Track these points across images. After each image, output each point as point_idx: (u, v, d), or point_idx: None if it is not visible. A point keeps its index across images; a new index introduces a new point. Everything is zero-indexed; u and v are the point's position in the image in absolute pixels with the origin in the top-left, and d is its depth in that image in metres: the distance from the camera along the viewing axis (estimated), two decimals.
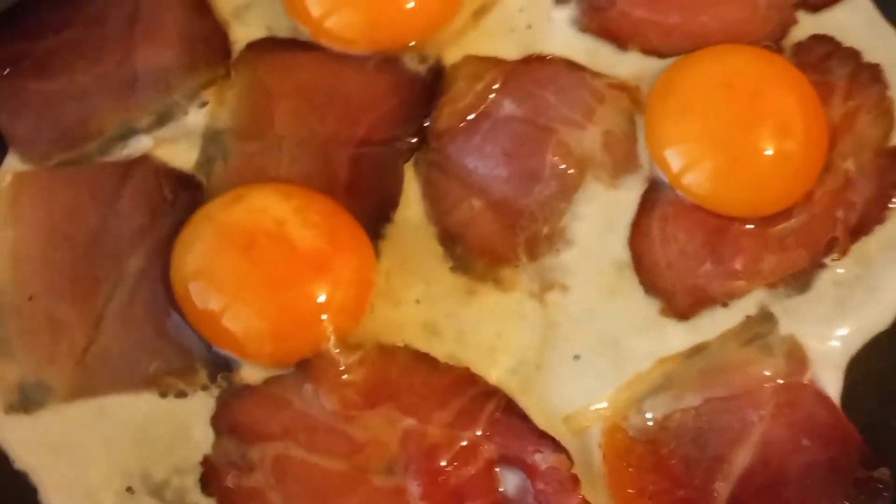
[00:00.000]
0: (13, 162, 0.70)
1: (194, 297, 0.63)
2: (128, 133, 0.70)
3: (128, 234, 0.67)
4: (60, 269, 0.66)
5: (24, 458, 0.63)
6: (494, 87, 0.71)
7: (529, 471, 0.62)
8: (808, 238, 0.68)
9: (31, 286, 0.66)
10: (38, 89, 0.71)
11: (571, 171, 0.69)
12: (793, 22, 0.74)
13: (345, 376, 0.63)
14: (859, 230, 0.69)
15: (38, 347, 0.65)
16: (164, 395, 0.64)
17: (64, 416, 0.64)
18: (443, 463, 0.62)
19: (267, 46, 0.73)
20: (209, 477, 0.62)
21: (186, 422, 0.64)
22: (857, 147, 0.71)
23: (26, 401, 0.64)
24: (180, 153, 0.70)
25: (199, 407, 0.64)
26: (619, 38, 0.74)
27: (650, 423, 0.64)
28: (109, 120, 0.70)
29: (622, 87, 0.71)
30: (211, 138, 0.70)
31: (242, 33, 0.73)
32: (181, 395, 0.64)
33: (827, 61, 0.73)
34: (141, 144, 0.70)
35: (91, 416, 0.64)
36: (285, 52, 0.73)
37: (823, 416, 0.64)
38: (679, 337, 0.67)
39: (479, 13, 0.75)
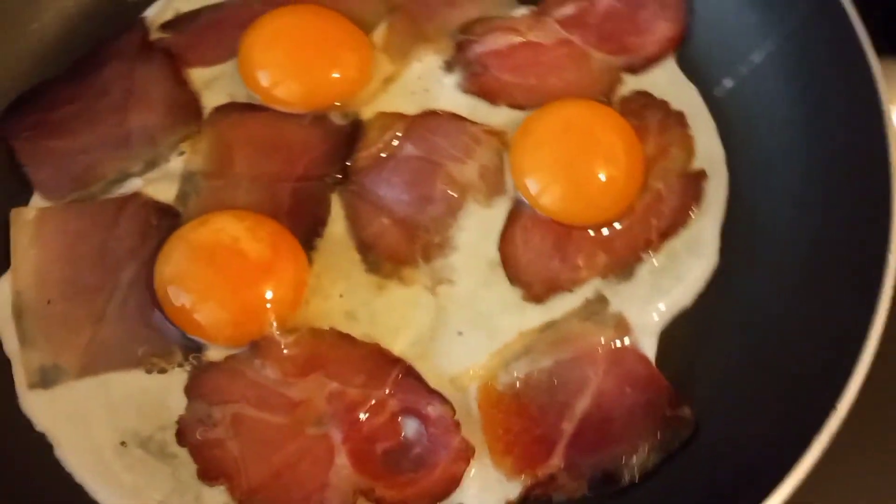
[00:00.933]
0: (37, 200, 0.69)
1: (171, 297, 0.63)
2: (123, 177, 0.69)
3: (123, 252, 0.66)
4: (72, 280, 0.65)
5: (43, 422, 0.62)
6: (398, 134, 0.71)
7: (424, 419, 0.62)
8: (630, 240, 0.68)
9: (49, 293, 0.65)
10: (53, 146, 0.70)
11: (456, 195, 0.69)
12: (619, 81, 0.74)
13: (285, 352, 0.62)
14: (668, 233, 0.69)
15: (54, 339, 0.64)
16: (149, 371, 0.63)
17: (74, 390, 0.63)
18: (359, 415, 0.61)
19: (229, 109, 0.72)
20: (182, 432, 0.61)
21: (166, 391, 0.63)
22: (666, 172, 0.71)
23: (45, 379, 0.63)
24: (163, 190, 0.69)
25: (175, 380, 0.63)
26: (491, 96, 0.73)
27: (515, 380, 0.64)
28: (109, 167, 0.69)
29: (493, 133, 0.71)
30: (187, 178, 0.69)
31: (211, 99, 0.72)
32: (162, 371, 0.63)
33: (644, 110, 0.73)
34: (133, 184, 0.69)
35: (95, 390, 0.63)
36: (243, 113, 0.72)
37: (642, 371, 0.64)
38: (536, 315, 0.66)
39: (388, 80, 0.74)
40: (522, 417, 0.63)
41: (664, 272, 0.68)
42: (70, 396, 0.63)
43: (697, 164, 0.71)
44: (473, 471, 0.61)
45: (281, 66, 0.72)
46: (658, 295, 0.67)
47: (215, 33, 0.75)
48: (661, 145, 0.72)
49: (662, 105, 0.74)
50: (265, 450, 0.60)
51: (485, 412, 0.63)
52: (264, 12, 0.73)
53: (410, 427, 0.62)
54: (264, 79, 0.72)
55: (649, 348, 0.66)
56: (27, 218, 0.67)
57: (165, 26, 0.76)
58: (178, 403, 0.62)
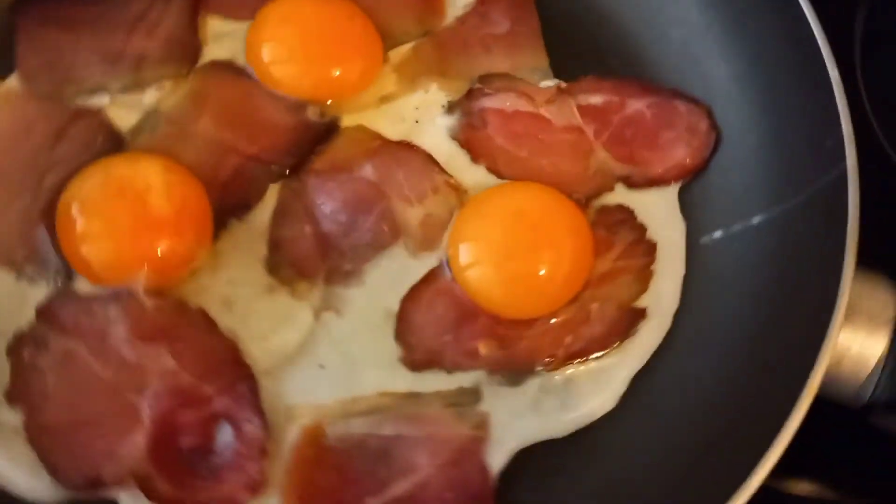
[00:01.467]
0: (13, 81, 0.69)
1: (63, 216, 0.62)
2: (97, 90, 0.69)
3: (56, 157, 0.65)
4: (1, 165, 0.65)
5: None
6: (367, 153, 0.68)
7: (238, 433, 0.59)
8: (535, 347, 0.63)
9: None
10: (54, 37, 0.69)
11: (388, 233, 0.65)
12: (610, 189, 0.69)
13: (143, 313, 0.61)
14: (575, 357, 0.63)
15: None
16: (18, 278, 0.63)
17: None
18: (180, 403, 0.59)
19: (223, 67, 0.70)
20: (14, 345, 0.60)
21: (23, 302, 0.61)
22: (607, 297, 0.65)
23: None
24: (123, 116, 0.68)
25: (37, 294, 0.62)
26: (475, 153, 0.69)
27: (348, 436, 0.60)
28: (90, 76, 0.69)
29: (455, 188, 0.67)
30: (150, 114, 0.68)
31: (212, 52, 0.71)
32: (30, 281, 0.62)
33: (619, 225, 0.67)
34: (100, 101, 0.68)
35: None
36: (233, 76, 0.70)
37: (475, 483, 0.59)
38: (404, 382, 0.62)
39: (384, 99, 0.71)
40: (333, 476, 0.59)
41: (553, 394, 0.62)
42: None
43: (644, 302, 0.65)
44: None
45: (286, 45, 0.70)
46: (535, 414, 0.62)
47: None
48: (618, 269, 0.66)
49: (640, 229, 0.67)
50: (76, 396, 0.59)
51: (299, 455, 0.59)
52: None
53: (223, 436, 0.59)
54: (266, 52, 0.70)
55: (497, 463, 0.60)
56: None
57: None
58: (27, 318, 0.61)
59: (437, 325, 0.63)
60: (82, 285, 0.62)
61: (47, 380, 0.59)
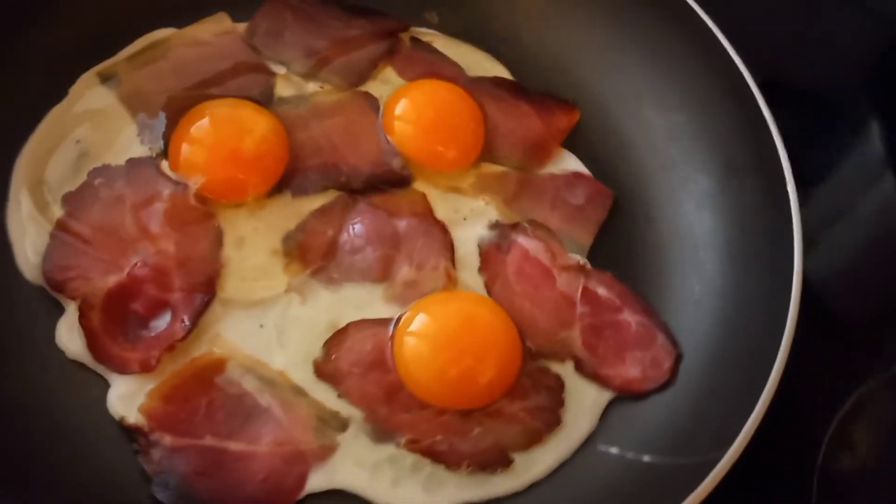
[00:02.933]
0: (233, 23, 0.74)
1: (192, 115, 0.67)
2: (283, 61, 0.74)
3: (226, 81, 0.71)
4: None
5: None
6: (411, 212, 0.68)
7: (170, 325, 0.60)
8: (411, 424, 0.60)
9: None
10: (285, 17, 0.75)
11: (379, 271, 0.65)
12: (560, 360, 0.65)
13: (184, 203, 0.64)
14: (431, 454, 0.59)
15: None
16: (140, 133, 0.68)
17: None
18: (154, 276, 0.61)
19: (366, 98, 0.73)
20: (92, 173, 0.65)
21: (127, 150, 0.67)
22: (491, 430, 0.61)
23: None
24: (283, 86, 0.72)
25: (138, 151, 0.67)
26: (484, 265, 0.67)
27: (235, 382, 0.59)
28: (287, 53, 0.74)
29: (450, 277, 0.65)
30: (300, 97, 0.72)
31: (371, 86, 0.74)
32: (141, 141, 0.68)
33: (544, 388, 0.63)
34: (279, 69, 0.73)
35: None
36: (367, 107, 0.73)
37: (288, 484, 0.57)
38: (303, 377, 0.61)
39: (454, 189, 0.71)
40: (201, 400, 0.59)
41: (393, 469, 0.59)
42: None
43: (517, 457, 0.60)
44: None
45: (415, 113, 0.72)
46: (370, 473, 0.59)
47: None
48: (517, 417, 0.62)
49: (558, 402, 0.63)
50: (101, 224, 0.62)
51: (192, 367, 0.60)
52: None
53: (160, 320, 0.60)
54: (398, 109, 0.72)
55: (314, 485, 0.57)
56: None
57: None
58: (120, 160, 0.65)
59: (356, 358, 0.62)
60: (164, 165, 0.67)
61: (95, 203, 0.63)
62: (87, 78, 0.70)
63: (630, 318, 0.67)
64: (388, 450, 0.59)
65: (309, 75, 0.75)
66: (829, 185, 0.88)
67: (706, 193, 0.71)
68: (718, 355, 0.63)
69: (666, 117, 0.74)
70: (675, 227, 0.71)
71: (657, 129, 0.75)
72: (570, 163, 0.75)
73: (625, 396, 0.64)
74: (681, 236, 0.70)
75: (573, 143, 0.76)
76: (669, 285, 0.69)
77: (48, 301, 0.60)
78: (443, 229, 0.68)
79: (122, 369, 0.58)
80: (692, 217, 0.71)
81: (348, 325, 0.63)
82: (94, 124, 0.68)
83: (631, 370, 0.64)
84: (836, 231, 0.83)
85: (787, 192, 0.63)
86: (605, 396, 0.64)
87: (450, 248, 0.67)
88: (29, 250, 0.62)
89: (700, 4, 0.71)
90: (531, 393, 0.62)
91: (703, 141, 0.72)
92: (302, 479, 0.57)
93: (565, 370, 0.65)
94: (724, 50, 0.69)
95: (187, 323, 0.59)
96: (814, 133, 0.90)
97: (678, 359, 0.64)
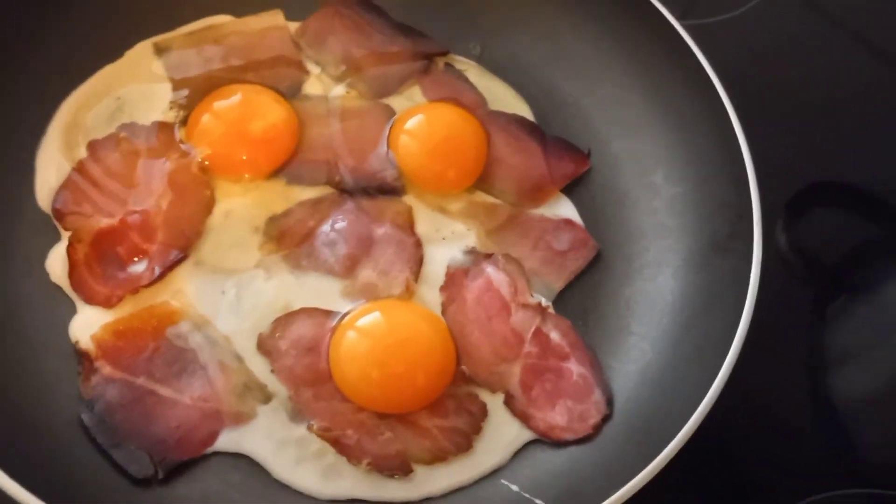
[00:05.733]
0: (283, 17, 0.82)
1: (216, 94, 0.76)
2: (320, 62, 0.81)
3: (258, 68, 0.79)
4: None
5: None
6: (393, 222, 0.73)
7: (143, 272, 0.68)
8: (330, 412, 0.64)
9: None
10: (334, 21, 0.83)
11: (343, 267, 0.70)
12: (491, 390, 0.67)
13: (186, 167, 0.71)
14: (333, 442, 0.63)
15: None
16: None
17: None
18: (140, 226, 0.69)
19: (384, 110, 0.80)
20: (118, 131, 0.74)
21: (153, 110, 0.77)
22: (401, 437, 0.64)
23: None
24: (311, 83, 0.80)
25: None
26: (447, 286, 0.71)
27: (183, 337, 0.66)
28: (329, 53, 0.81)
29: (408, 288, 0.69)
30: (323, 97, 0.80)
31: (394, 101, 0.81)
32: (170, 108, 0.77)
33: (466, 413, 0.66)
34: (314, 69, 0.81)
35: None
36: (380, 116, 0.79)
37: (200, 436, 0.62)
38: (245, 346, 0.66)
39: (441, 209, 0.75)
40: (147, 341, 0.65)
41: (297, 450, 0.63)
42: None
43: (417, 468, 0.63)
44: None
45: (422, 137, 0.77)
46: (276, 448, 0.63)
47: None
48: (429, 432, 0.65)
49: (475, 429, 0.66)
50: (112, 168, 0.72)
51: (147, 313, 0.66)
52: None
53: (135, 266, 0.67)
54: (405, 135, 0.77)
55: (222, 444, 0.62)
56: None
57: None
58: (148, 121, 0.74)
59: (298, 339, 0.66)
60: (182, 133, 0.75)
61: (114, 152, 0.72)
62: (144, 46, 0.80)
63: (574, 367, 0.68)
64: (300, 430, 0.63)
65: (340, 79, 0.81)
66: (879, 300, 0.86)
67: (684, 264, 0.72)
68: (638, 424, 0.63)
69: (671, 185, 0.76)
70: (647, 291, 0.72)
71: (660, 195, 0.76)
72: (565, 209, 0.78)
73: (542, 441, 0.65)
74: (651, 301, 0.72)
75: (573, 189, 0.79)
76: (624, 345, 0.70)
77: (50, 228, 0.69)
78: (417, 243, 0.73)
79: (89, 300, 0.66)
80: (666, 284, 0.72)
81: (300, 310, 0.68)
82: (137, 86, 0.78)
83: (557, 417, 0.66)
84: (879, 353, 0.81)
85: (748, 280, 0.63)
86: (525, 436, 0.66)
87: (418, 262, 0.72)
88: (48, 181, 0.71)
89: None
90: (451, 414, 0.65)
91: (696, 213, 0.73)
92: (212, 437, 0.62)
93: (493, 401, 0.67)
94: (736, 138, 0.70)
95: (156, 273, 0.66)
96: (874, 240, 0.88)
97: (605, 418, 0.65)
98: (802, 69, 0.94)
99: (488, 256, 0.73)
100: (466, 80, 0.83)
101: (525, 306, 0.71)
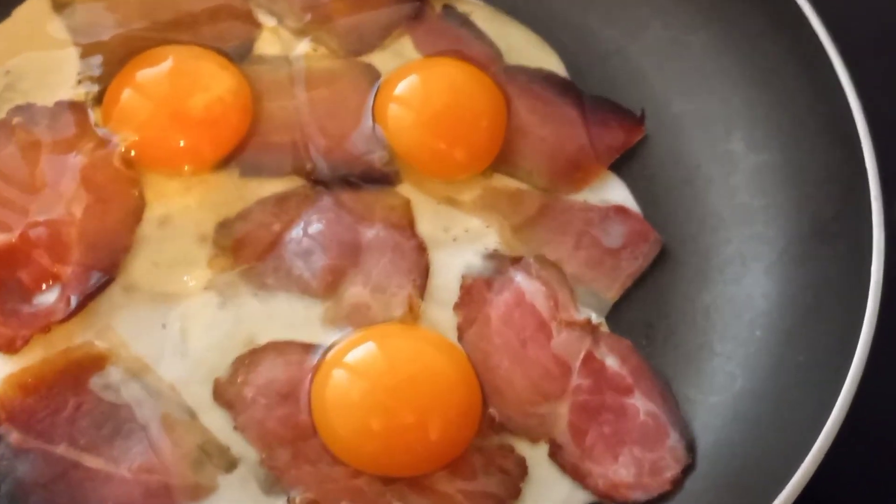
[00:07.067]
0: None
1: (141, 60, 0.78)
2: (278, 14, 0.83)
3: (208, 26, 0.82)
4: None
5: None
6: (384, 221, 0.75)
7: (55, 303, 0.69)
8: (313, 479, 0.65)
9: None
10: None
11: (324, 284, 0.72)
12: (531, 441, 0.69)
13: (105, 160, 0.72)
14: None
15: None
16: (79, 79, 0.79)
17: None
18: (48, 241, 0.70)
19: (367, 70, 0.81)
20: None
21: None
22: None
23: None
24: (268, 40, 0.82)
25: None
26: (462, 303, 0.72)
27: (113, 389, 0.66)
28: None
29: (412, 309, 0.70)
30: (282, 58, 0.82)
31: (376, 58, 0.82)
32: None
33: (498, 472, 0.67)
34: (269, 20, 0.83)
35: None
36: (364, 83, 0.81)
37: None
38: (196, 397, 0.67)
39: (449, 201, 0.77)
40: (67, 398, 0.66)
41: None
42: None
43: None
44: None
45: (416, 105, 0.79)
46: None
47: None
48: (451, 498, 0.66)
49: (513, 493, 0.67)
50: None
51: (64, 357, 0.67)
52: None
53: (45, 295, 0.69)
54: (394, 107, 0.78)
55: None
56: None
57: None
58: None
59: (267, 384, 0.67)
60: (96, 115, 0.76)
61: (7, 145, 0.73)
62: (38, 2, 0.81)
63: (640, 403, 0.70)
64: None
65: (303, 32, 0.83)
66: None
67: (780, 258, 0.73)
68: (730, 476, 0.64)
69: (755, 154, 0.77)
70: (732, 297, 0.74)
71: (741, 167, 0.78)
72: (616, 192, 0.79)
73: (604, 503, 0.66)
74: (737, 309, 0.73)
75: (625, 167, 0.80)
76: (706, 370, 0.71)
77: None
78: (419, 248, 0.74)
79: None
80: (757, 286, 0.73)
81: (268, 345, 0.69)
82: (32, 56, 0.79)
83: (622, 471, 0.67)
84: None
85: (868, 273, 0.64)
86: (580, 498, 0.67)
87: (422, 274, 0.73)
88: None
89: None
90: (480, 474, 0.66)
91: (790, 190, 0.75)
92: None
93: (535, 454, 0.68)
94: (842, 88, 0.71)
95: (72, 304, 0.67)
96: None
97: (687, 469, 0.67)
98: None
99: (516, 261, 0.74)
100: (473, 27, 0.85)
101: (570, 325, 0.72)
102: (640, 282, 0.76)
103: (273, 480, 0.65)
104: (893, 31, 0.93)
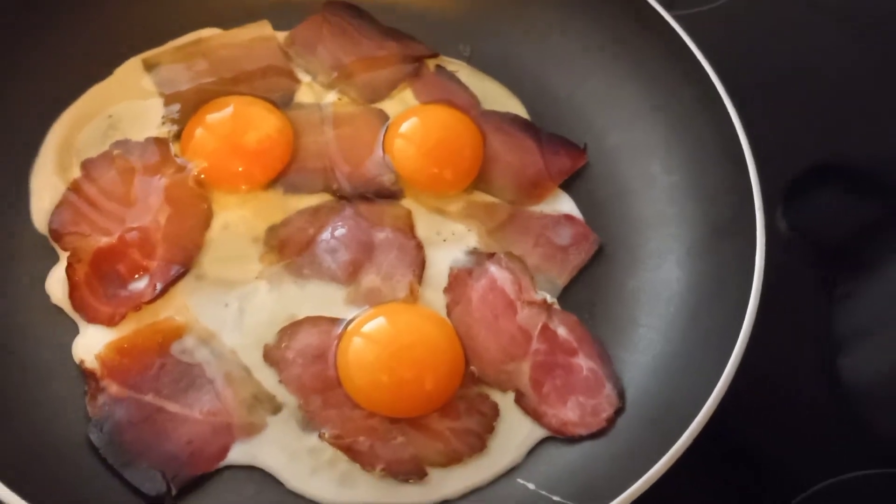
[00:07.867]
0: (272, 29, 0.83)
1: (211, 106, 0.77)
2: (311, 71, 0.82)
3: (256, 80, 0.80)
4: None
5: None
6: (393, 226, 0.74)
7: (144, 288, 0.68)
8: (343, 420, 0.64)
9: None
10: (322, 28, 0.84)
11: (346, 273, 0.71)
12: (502, 390, 0.68)
13: (182, 182, 0.72)
14: (344, 447, 0.63)
15: None
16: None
17: None
18: (140, 242, 0.69)
19: (378, 115, 0.81)
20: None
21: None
22: (413, 441, 0.64)
23: None
24: (304, 92, 0.81)
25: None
26: (451, 287, 0.72)
27: (188, 352, 0.66)
28: (319, 63, 0.82)
29: (412, 292, 0.70)
30: (314, 106, 0.80)
31: (387, 105, 0.82)
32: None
33: (478, 413, 0.66)
34: (305, 77, 0.81)
35: None
36: (374, 121, 0.80)
37: (211, 451, 0.62)
38: (251, 358, 0.66)
39: (439, 210, 0.75)
40: (153, 359, 0.65)
41: (311, 460, 0.63)
42: None
43: (431, 471, 0.64)
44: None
45: (417, 140, 0.77)
46: (288, 458, 0.63)
47: None
48: (441, 434, 0.65)
49: (487, 429, 0.66)
50: (112, 186, 0.72)
51: (151, 330, 0.66)
52: None
53: (136, 283, 0.68)
54: (399, 141, 0.77)
55: (234, 457, 0.63)
56: None
57: None
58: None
59: (304, 348, 0.67)
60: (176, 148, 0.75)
61: (109, 170, 0.72)
62: (133, 63, 0.81)
63: (583, 362, 0.69)
64: (312, 440, 0.64)
65: (331, 86, 0.82)
66: (887, 278, 0.86)
67: (688, 252, 0.72)
68: (651, 415, 0.64)
69: (668, 175, 0.77)
70: (652, 282, 0.73)
71: (658, 184, 0.77)
72: (564, 204, 0.79)
73: (556, 437, 0.66)
74: (656, 291, 0.72)
75: (571, 184, 0.80)
76: (633, 337, 0.71)
77: (48, 250, 0.70)
78: (418, 246, 0.73)
79: (92, 319, 0.66)
80: (671, 273, 0.72)
81: (304, 319, 0.68)
82: (128, 104, 0.78)
83: (569, 413, 0.67)
84: (890, 331, 0.82)
85: (753, 263, 0.64)
86: (538, 433, 0.66)
87: (420, 265, 0.72)
88: (43, 203, 0.71)
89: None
90: (463, 415, 0.65)
91: (695, 201, 0.74)
92: (224, 450, 0.62)
93: (504, 400, 0.67)
94: (727, 111, 0.71)
95: (157, 289, 0.67)
96: (877, 219, 0.89)
97: (618, 411, 0.66)
98: (794, 53, 0.95)
99: (491, 256, 0.74)
100: (458, 81, 0.84)
101: (531, 303, 0.71)
102: (584, 271, 0.75)
103: (308, 420, 0.65)
104: (773, 72, 0.92)
